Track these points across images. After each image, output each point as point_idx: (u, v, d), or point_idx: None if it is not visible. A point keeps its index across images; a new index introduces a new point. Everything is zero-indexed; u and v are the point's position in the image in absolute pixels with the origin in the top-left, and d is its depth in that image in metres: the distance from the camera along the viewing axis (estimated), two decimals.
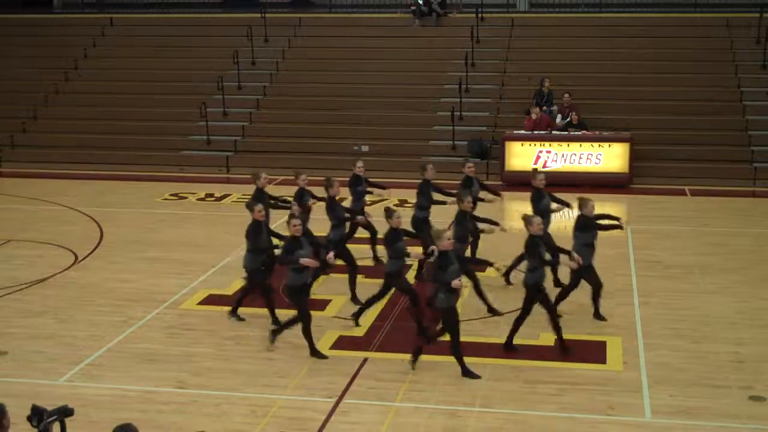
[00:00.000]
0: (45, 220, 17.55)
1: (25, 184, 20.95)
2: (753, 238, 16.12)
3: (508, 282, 13.02)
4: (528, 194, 12.97)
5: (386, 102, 23.72)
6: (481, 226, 12.54)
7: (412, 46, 25.42)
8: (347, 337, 11.36)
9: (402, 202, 18.43)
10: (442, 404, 9.50)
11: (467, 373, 9.99)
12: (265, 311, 11.66)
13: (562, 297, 11.70)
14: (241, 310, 11.95)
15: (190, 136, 23.48)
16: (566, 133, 20.95)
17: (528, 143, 20.67)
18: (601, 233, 11.60)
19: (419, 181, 13.88)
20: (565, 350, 10.65)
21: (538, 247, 10.36)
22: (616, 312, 12.10)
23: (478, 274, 12.17)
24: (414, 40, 25.72)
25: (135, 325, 11.83)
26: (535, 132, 20.87)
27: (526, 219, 10.67)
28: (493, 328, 11.52)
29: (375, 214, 14.14)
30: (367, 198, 14.69)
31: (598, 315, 11.76)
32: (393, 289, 11.38)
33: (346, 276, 12.70)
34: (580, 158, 20.40)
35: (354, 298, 12.42)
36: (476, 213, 12.53)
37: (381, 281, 12.29)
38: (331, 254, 11.60)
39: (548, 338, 11.18)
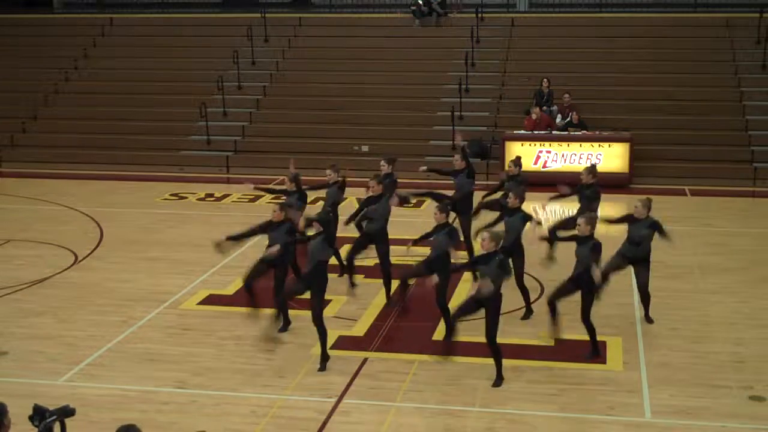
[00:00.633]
0: (45, 220, 17.55)
1: (25, 184, 20.95)
2: (753, 238, 16.12)
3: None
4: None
5: (386, 102, 23.72)
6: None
7: (412, 46, 25.41)
8: (347, 337, 11.36)
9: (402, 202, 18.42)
10: (442, 404, 9.50)
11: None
12: (264, 312, 11.65)
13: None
14: (240, 311, 11.97)
15: (190, 136, 23.48)
16: (566, 133, 20.95)
17: (528, 143, 20.67)
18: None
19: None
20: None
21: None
22: (616, 312, 12.10)
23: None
24: (414, 40, 25.72)
25: (135, 325, 11.83)
26: (535, 132, 20.87)
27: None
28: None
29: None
30: None
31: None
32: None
33: (346, 277, 12.74)
34: (580, 158, 20.40)
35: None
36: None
37: (381, 281, 12.36)
38: None
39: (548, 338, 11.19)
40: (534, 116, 21.05)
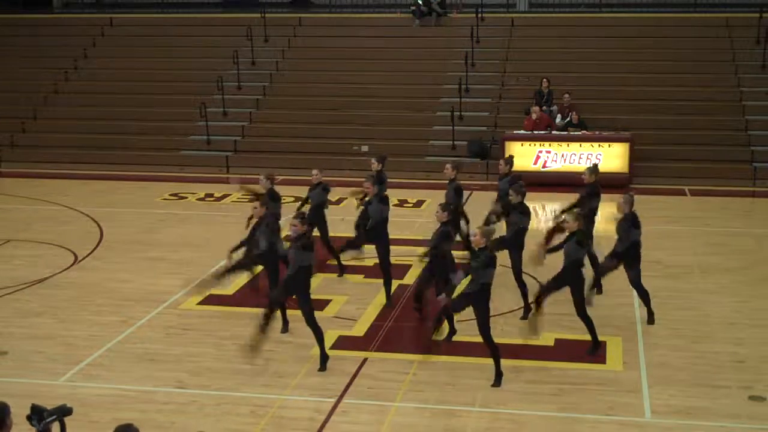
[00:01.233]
0: (45, 220, 17.55)
1: (25, 184, 20.95)
2: (753, 238, 16.12)
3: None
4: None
5: (386, 102, 23.72)
6: None
7: (412, 46, 25.41)
8: (347, 337, 11.35)
9: (402, 202, 18.44)
10: (442, 404, 9.50)
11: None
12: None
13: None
14: (240, 311, 11.97)
15: (190, 136, 23.48)
16: (566, 133, 20.95)
17: (528, 143, 20.67)
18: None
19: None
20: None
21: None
22: (616, 312, 12.10)
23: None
24: (414, 40, 25.72)
25: (135, 325, 11.82)
26: (535, 132, 20.87)
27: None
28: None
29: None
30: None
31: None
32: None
33: (345, 277, 12.76)
34: (580, 158, 20.40)
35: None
36: None
37: (381, 281, 12.35)
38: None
39: (548, 338, 11.20)
40: (534, 116, 21.05)
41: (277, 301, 10.46)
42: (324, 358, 10.35)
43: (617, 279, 13.43)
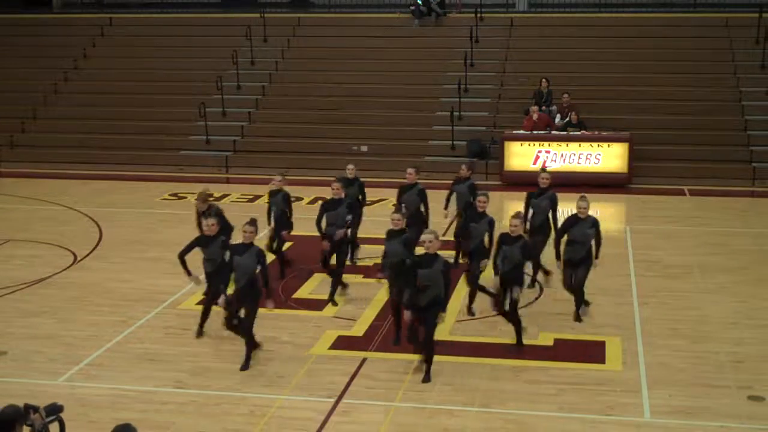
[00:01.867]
0: (44, 220, 17.55)
1: (24, 184, 20.94)
2: (753, 238, 16.12)
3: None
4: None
5: (385, 102, 23.72)
6: None
7: (412, 46, 25.41)
8: (346, 337, 11.35)
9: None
10: (442, 404, 9.50)
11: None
12: (264, 311, 11.64)
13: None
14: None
15: (189, 136, 23.47)
16: (565, 133, 20.95)
17: (527, 143, 20.66)
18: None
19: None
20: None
21: None
22: (615, 312, 12.10)
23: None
24: (413, 40, 25.72)
25: (134, 325, 11.82)
26: (535, 132, 20.87)
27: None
28: (493, 328, 11.51)
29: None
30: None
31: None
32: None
33: (343, 277, 12.74)
34: (580, 158, 20.40)
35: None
36: None
37: (379, 281, 12.34)
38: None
39: (548, 338, 11.20)
40: (534, 116, 21.05)
41: (230, 312, 10.36)
42: (247, 364, 10.35)
43: (617, 279, 13.47)
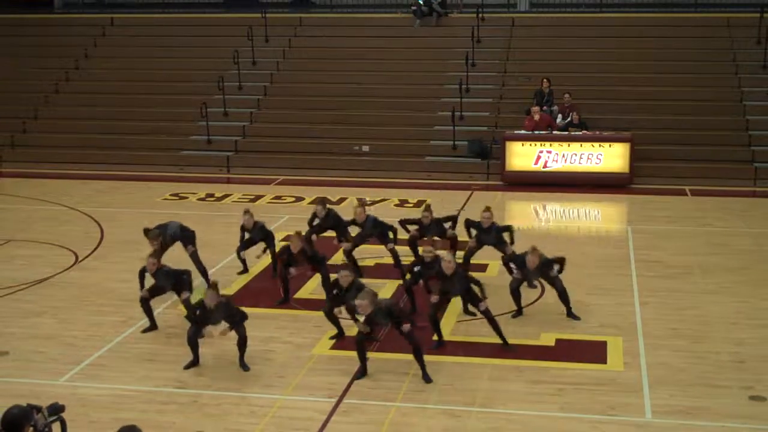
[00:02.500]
0: (45, 220, 17.55)
1: (25, 184, 20.95)
2: (753, 238, 16.12)
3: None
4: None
5: (387, 102, 23.71)
6: None
7: (413, 46, 25.40)
8: (347, 337, 11.34)
9: (402, 202, 18.44)
10: (442, 404, 9.50)
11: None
12: (264, 311, 11.66)
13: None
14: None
15: (190, 136, 23.48)
16: (566, 133, 20.94)
17: (528, 143, 20.65)
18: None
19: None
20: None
21: None
22: (616, 312, 12.10)
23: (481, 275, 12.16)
24: (414, 40, 25.71)
25: (135, 325, 11.83)
26: (536, 132, 20.86)
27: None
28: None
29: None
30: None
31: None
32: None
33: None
34: (581, 158, 20.39)
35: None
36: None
37: (381, 281, 12.34)
38: None
39: (548, 338, 11.20)
40: (535, 116, 21.04)
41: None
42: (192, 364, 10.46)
43: (617, 279, 13.47)
